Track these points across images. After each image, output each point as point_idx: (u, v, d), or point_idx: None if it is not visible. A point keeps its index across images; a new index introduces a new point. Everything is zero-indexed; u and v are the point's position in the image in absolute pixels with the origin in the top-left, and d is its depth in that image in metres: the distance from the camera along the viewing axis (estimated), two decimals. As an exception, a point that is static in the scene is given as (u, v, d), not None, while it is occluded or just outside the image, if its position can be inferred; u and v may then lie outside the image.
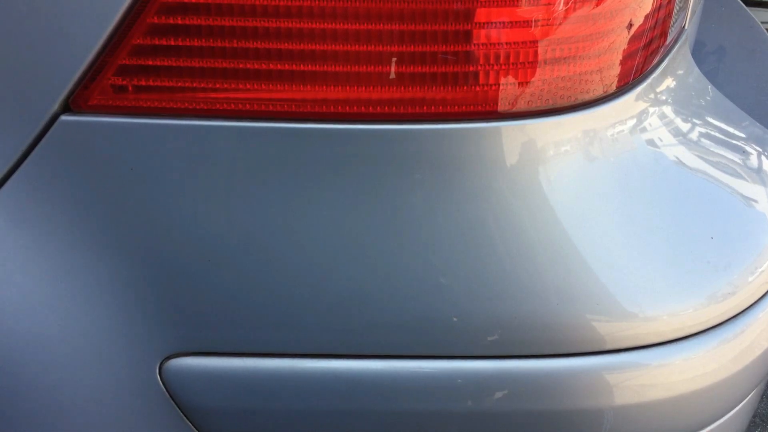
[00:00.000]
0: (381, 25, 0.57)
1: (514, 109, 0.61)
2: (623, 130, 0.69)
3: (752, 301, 0.71)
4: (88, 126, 0.59)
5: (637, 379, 0.69)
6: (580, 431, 0.71)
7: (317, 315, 0.65)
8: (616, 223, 0.66)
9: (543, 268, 0.64)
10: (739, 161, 0.77)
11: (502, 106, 0.61)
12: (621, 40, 0.64)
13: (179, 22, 0.57)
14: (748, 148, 0.79)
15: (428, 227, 0.63)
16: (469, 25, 0.58)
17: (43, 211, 0.62)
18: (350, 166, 0.62)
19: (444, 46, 0.58)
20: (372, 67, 0.58)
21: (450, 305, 0.65)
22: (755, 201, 0.73)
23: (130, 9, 0.56)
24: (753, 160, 0.78)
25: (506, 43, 0.58)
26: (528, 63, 0.60)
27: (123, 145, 0.60)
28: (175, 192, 0.62)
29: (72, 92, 0.58)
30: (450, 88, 0.59)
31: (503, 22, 0.58)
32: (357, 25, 0.57)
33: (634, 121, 0.70)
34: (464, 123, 0.61)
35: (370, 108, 0.60)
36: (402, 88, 0.59)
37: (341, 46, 0.57)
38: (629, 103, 0.68)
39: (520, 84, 0.60)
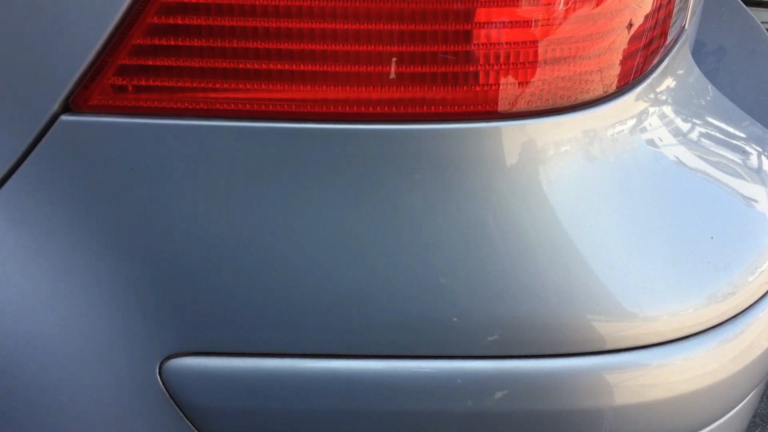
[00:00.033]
0: (381, 25, 0.57)
1: (514, 109, 0.61)
2: (623, 130, 0.69)
3: (752, 301, 0.71)
4: (88, 126, 0.59)
5: (637, 379, 0.69)
6: (580, 431, 0.71)
7: (317, 315, 0.65)
8: (616, 223, 0.66)
9: (543, 268, 0.64)
10: (739, 161, 0.77)
11: (502, 106, 0.61)
12: (621, 40, 0.64)
13: (179, 22, 0.57)
14: (748, 148, 0.79)
15: (428, 227, 0.63)
16: (469, 25, 0.58)
17: (43, 211, 0.62)
18: (350, 166, 0.61)
19: (444, 46, 0.58)
20: (372, 67, 0.58)
21: (450, 305, 0.65)
22: (755, 201, 0.73)
23: (130, 9, 0.56)
24: (753, 160, 0.78)
25: (506, 43, 0.58)
26: (528, 63, 0.60)
27: (123, 145, 0.60)
28: (175, 192, 0.62)
29: (72, 92, 0.58)
30: (450, 88, 0.59)
31: (503, 22, 0.58)
32: (357, 25, 0.57)
33: (634, 121, 0.70)
34: (464, 123, 0.61)
35: (370, 108, 0.60)
36: (402, 88, 0.59)
37: (341, 46, 0.57)
38: (629, 103, 0.68)
39: (520, 84, 0.60)
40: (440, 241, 0.63)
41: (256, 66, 0.58)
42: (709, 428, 0.77)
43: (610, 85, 0.65)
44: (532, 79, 0.60)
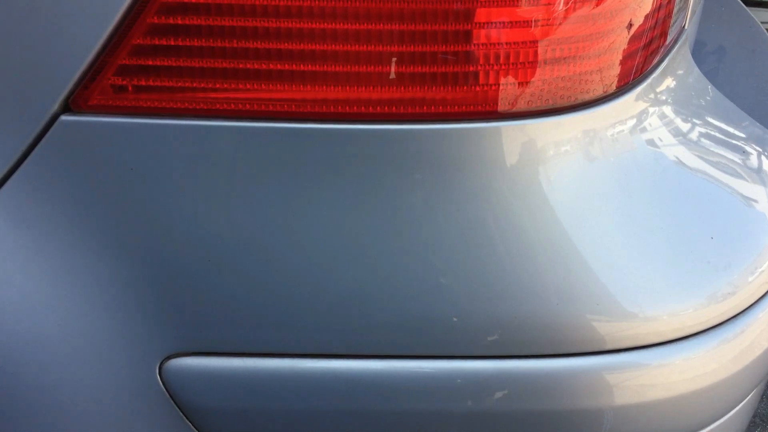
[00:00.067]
0: (381, 25, 0.57)
1: (514, 109, 0.61)
2: (623, 130, 0.69)
3: (752, 301, 0.71)
4: (88, 126, 0.59)
5: (637, 379, 0.69)
6: (580, 431, 0.71)
7: (317, 315, 0.65)
8: (616, 223, 0.66)
9: (543, 268, 0.64)
10: (739, 161, 0.77)
11: (502, 106, 0.61)
12: (621, 40, 0.64)
13: (179, 22, 0.57)
14: (748, 148, 0.79)
15: (428, 227, 0.63)
16: (469, 25, 0.58)
17: (43, 211, 0.62)
18: (350, 166, 0.61)
19: (444, 46, 0.58)
20: (372, 67, 0.58)
21: (450, 305, 0.65)
22: (755, 201, 0.73)
23: (130, 9, 0.56)
24: (753, 160, 0.78)
25: (506, 43, 0.58)
26: (528, 63, 0.60)
27: (123, 145, 0.60)
28: (175, 192, 0.62)
29: (72, 92, 0.58)
30: (450, 88, 0.59)
31: (503, 22, 0.58)
32: (357, 25, 0.57)
33: (634, 121, 0.70)
34: (464, 123, 0.61)
35: (370, 108, 0.60)
36: (402, 88, 0.59)
37: (341, 46, 0.57)
38: (629, 103, 0.68)
39: (520, 84, 0.60)
40: (440, 241, 0.63)
41: (256, 66, 0.58)
42: (709, 428, 0.77)
43: (610, 85, 0.65)
44: (532, 79, 0.60)
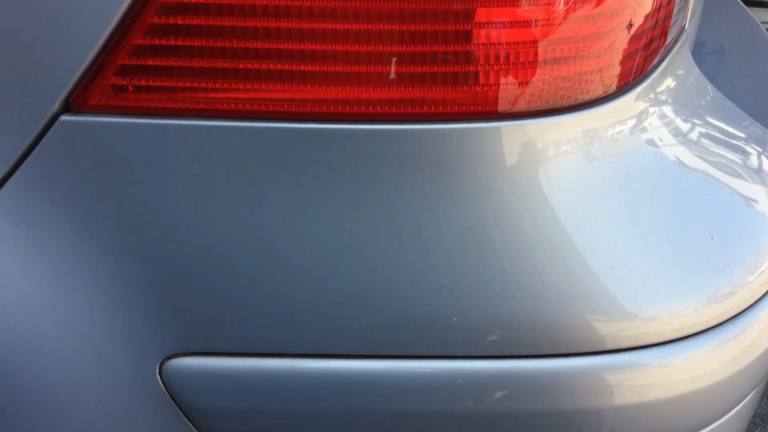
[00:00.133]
0: (381, 25, 0.57)
1: (514, 109, 0.61)
2: (623, 130, 0.69)
3: (752, 301, 0.71)
4: (88, 126, 0.59)
5: (637, 379, 0.69)
6: (580, 431, 0.71)
7: (317, 315, 0.65)
8: (616, 223, 0.66)
9: (543, 268, 0.64)
10: (739, 161, 0.77)
11: (502, 106, 0.61)
12: (621, 40, 0.64)
13: (179, 22, 0.57)
14: (748, 148, 0.79)
15: (428, 227, 0.63)
16: (469, 25, 0.58)
17: (43, 211, 0.62)
18: (350, 166, 0.61)
19: (444, 46, 0.58)
20: (372, 67, 0.58)
21: (450, 305, 0.65)
22: (755, 201, 0.73)
23: (130, 9, 0.56)
24: (753, 160, 0.78)
25: (506, 43, 0.58)
26: (528, 63, 0.60)
27: (123, 145, 0.60)
28: (175, 192, 0.62)
29: (72, 92, 0.58)
30: (450, 88, 0.59)
31: (503, 22, 0.58)
32: (357, 25, 0.57)
33: (634, 121, 0.70)
34: (464, 123, 0.61)
35: (370, 108, 0.60)
36: (402, 88, 0.59)
37: (341, 46, 0.57)
38: (629, 103, 0.68)
39: (520, 84, 0.60)
40: (440, 241, 0.63)
41: (256, 66, 0.58)
42: (709, 428, 0.77)
43: (610, 85, 0.65)
44: (532, 79, 0.60)
